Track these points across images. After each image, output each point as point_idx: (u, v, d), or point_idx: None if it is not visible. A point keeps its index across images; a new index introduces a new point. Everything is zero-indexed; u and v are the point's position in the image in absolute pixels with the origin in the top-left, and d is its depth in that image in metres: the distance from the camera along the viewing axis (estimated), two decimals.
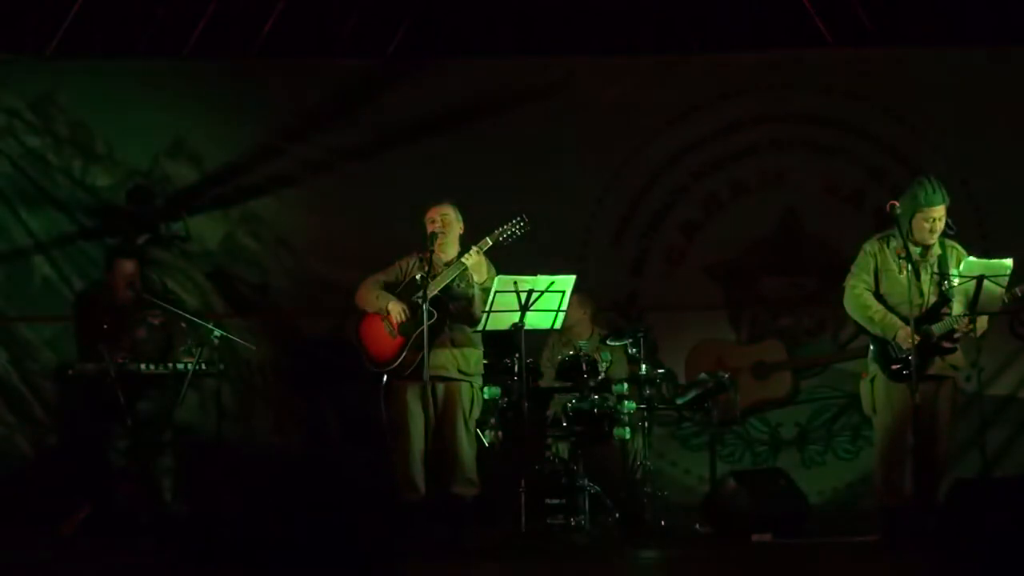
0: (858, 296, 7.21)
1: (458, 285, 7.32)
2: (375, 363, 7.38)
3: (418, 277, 7.34)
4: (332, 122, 9.27)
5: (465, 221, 7.47)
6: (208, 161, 9.25)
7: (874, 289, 7.20)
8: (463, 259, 7.23)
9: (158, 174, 9.23)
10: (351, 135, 9.27)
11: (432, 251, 7.31)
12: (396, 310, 7.29)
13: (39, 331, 9.06)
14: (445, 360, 7.31)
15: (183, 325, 8.03)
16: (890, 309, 7.12)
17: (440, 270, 7.31)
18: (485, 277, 7.27)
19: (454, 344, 7.35)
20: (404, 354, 7.25)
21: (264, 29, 9.26)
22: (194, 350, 7.83)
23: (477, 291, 7.29)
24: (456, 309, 7.33)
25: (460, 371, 7.37)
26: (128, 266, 8.17)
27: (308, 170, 9.30)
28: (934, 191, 7.01)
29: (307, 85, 9.33)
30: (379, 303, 7.37)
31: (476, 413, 7.48)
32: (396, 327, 7.31)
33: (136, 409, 7.72)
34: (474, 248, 7.23)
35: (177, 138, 9.23)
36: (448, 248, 7.42)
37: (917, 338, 6.88)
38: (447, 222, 7.40)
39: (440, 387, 7.33)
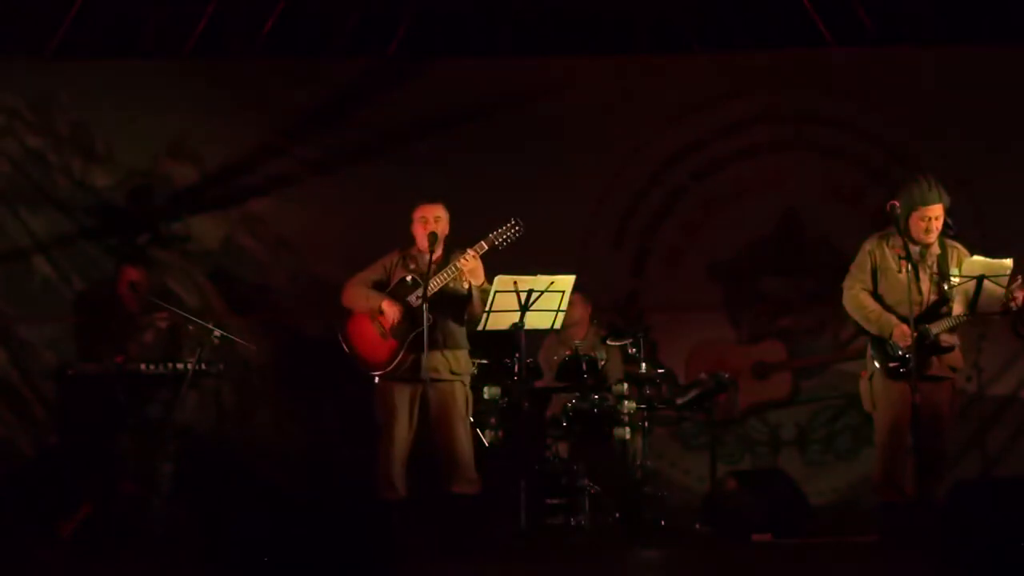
0: (854, 296, 7.22)
1: (450, 285, 7.32)
2: (367, 365, 7.37)
3: (409, 279, 7.33)
4: (332, 122, 9.27)
5: (464, 221, 7.46)
6: (208, 161, 9.25)
7: (871, 289, 7.20)
8: (460, 263, 7.19)
9: (158, 174, 9.23)
10: (351, 135, 9.27)
11: (432, 252, 7.30)
12: (392, 311, 7.27)
13: (39, 331, 9.06)
14: (437, 362, 7.29)
15: (190, 328, 8.03)
16: (888, 308, 7.12)
17: (429, 270, 7.28)
18: (483, 279, 7.26)
19: (445, 345, 7.34)
20: (399, 357, 7.25)
21: (264, 29, 9.26)
22: (194, 350, 7.83)
23: (476, 292, 7.28)
24: (452, 309, 7.33)
25: (452, 372, 7.36)
26: (133, 273, 8.14)
27: (308, 170, 9.30)
28: (930, 189, 7.02)
29: (307, 85, 9.32)
30: (371, 303, 7.35)
31: (471, 411, 7.47)
32: (389, 329, 7.30)
33: (143, 411, 7.72)
34: (471, 251, 7.21)
35: (177, 138, 9.23)
36: (436, 248, 7.40)
37: (915, 334, 6.90)
38: (441, 224, 7.39)
39: (433, 389, 7.31)
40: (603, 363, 8.15)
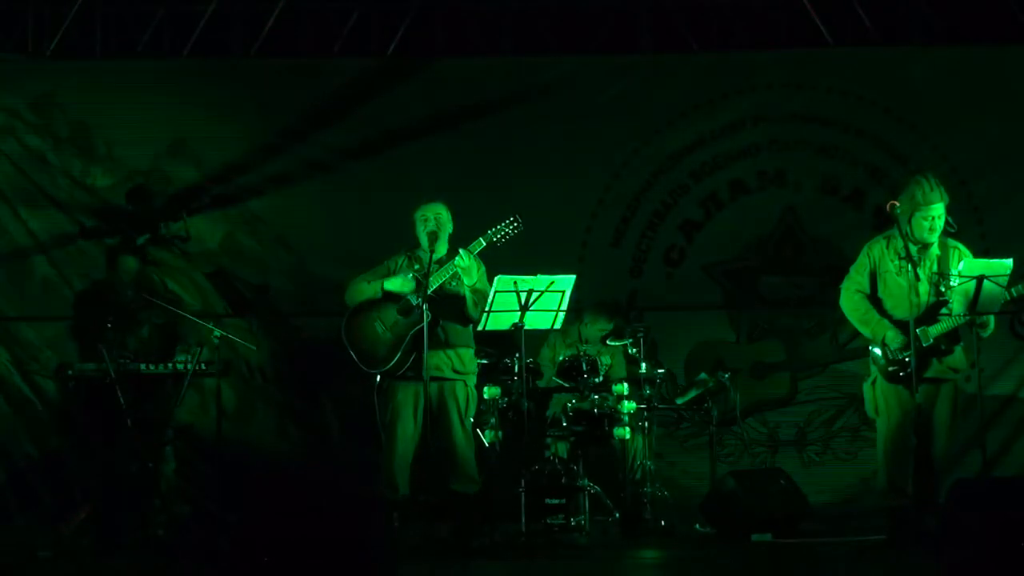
0: (850, 298, 7.24)
1: (449, 284, 7.33)
2: (368, 363, 7.38)
3: (410, 277, 7.34)
4: (332, 122, 9.26)
5: (465, 220, 7.46)
6: (208, 161, 9.25)
7: (869, 291, 7.20)
8: (456, 261, 7.21)
9: (158, 174, 9.23)
10: (351, 135, 9.26)
11: (431, 251, 7.31)
12: (398, 282, 7.27)
13: (39, 331, 9.05)
14: (439, 360, 7.32)
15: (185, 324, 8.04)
16: (887, 311, 7.12)
17: (431, 269, 7.28)
18: (476, 278, 7.28)
19: (448, 344, 7.35)
20: (399, 355, 7.25)
21: (264, 29, 9.26)
22: (194, 350, 7.83)
23: (468, 291, 7.29)
24: (450, 309, 7.33)
25: (454, 370, 7.38)
26: (130, 263, 8.15)
27: (308, 170, 9.30)
28: (932, 189, 7.02)
29: (307, 85, 9.32)
30: (373, 287, 7.37)
31: (472, 411, 7.48)
32: (390, 326, 7.31)
33: (140, 409, 7.72)
34: (465, 250, 7.22)
35: (177, 138, 9.23)
36: (439, 247, 7.42)
37: (906, 339, 6.90)
38: (441, 223, 7.40)
39: (434, 387, 7.32)
40: (607, 367, 8.12)
